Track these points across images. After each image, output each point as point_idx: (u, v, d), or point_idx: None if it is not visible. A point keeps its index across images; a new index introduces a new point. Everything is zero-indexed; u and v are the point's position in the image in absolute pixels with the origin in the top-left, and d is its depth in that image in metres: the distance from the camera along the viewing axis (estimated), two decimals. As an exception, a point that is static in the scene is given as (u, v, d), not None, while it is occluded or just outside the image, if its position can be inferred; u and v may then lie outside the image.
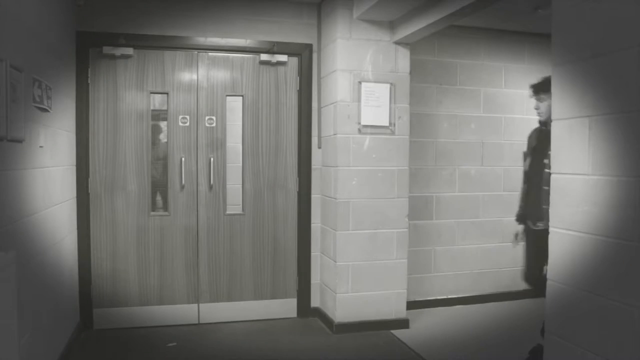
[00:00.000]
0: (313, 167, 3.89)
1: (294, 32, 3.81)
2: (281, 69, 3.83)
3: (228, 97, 3.76)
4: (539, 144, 2.98)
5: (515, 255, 4.42)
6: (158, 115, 3.70)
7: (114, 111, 3.56)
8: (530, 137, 3.17)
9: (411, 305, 3.91)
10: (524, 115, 4.39)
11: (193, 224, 3.70)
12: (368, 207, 3.59)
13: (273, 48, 3.76)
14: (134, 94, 3.59)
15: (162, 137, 3.70)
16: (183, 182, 3.66)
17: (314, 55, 3.86)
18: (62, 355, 2.92)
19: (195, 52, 3.68)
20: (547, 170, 2.56)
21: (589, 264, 1.73)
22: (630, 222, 1.57)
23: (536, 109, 3.01)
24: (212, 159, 3.70)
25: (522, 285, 4.42)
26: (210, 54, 3.70)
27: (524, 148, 3.23)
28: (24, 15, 2.29)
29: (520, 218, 3.17)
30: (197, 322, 3.72)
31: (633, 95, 1.56)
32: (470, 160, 4.26)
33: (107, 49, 3.48)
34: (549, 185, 1.91)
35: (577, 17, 1.78)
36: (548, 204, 1.92)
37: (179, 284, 3.70)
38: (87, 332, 3.48)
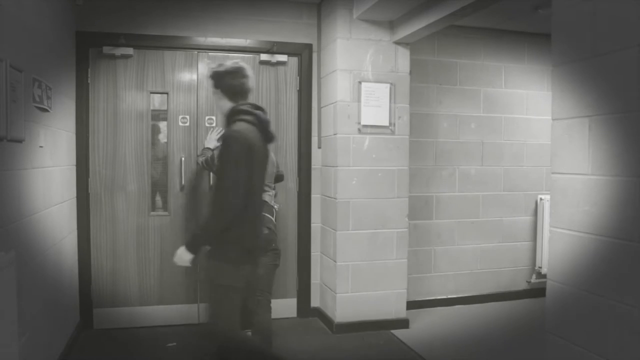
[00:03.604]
0: (313, 167, 3.89)
1: (294, 32, 3.81)
2: (281, 69, 3.83)
3: (228, 97, 3.75)
4: None
5: (515, 255, 4.43)
6: (158, 115, 3.69)
7: (114, 111, 3.56)
8: None
9: (411, 305, 3.91)
10: (524, 115, 4.40)
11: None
12: (368, 207, 3.59)
13: (273, 48, 3.76)
14: (134, 94, 3.59)
15: (162, 137, 3.70)
16: (183, 182, 3.66)
17: (314, 55, 3.86)
18: (62, 355, 2.92)
19: (195, 52, 3.68)
20: None
21: (589, 264, 1.73)
22: (630, 222, 1.57)
23: None
24: (212, 159, 3.70)
25: (522, 285, 4.45)
26: (210, 53, 3.70)
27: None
28: (24, 15, 2.29)
29: None
30: (197, 322, 3.72)
31: (633, 95, 1.56)
32: (470, 160, 4.27)
33: (107, 49, 3.48)
34: None
35: (577, 17, 1.78)
36: None
37: (179, 284, 3.70)
38: (87, 332, 3.47)
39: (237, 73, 2.34)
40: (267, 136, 2.36)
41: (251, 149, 2.20)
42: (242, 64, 2.38)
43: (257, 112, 2.32)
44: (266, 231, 2.82)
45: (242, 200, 2.17)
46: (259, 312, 2.81)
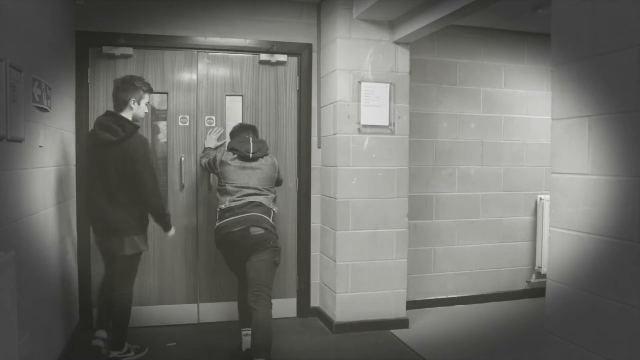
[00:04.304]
0: (313, 167, 3.89)
1: (294, 32, 3.81)
2: (281, 68, 3.83)
3: (228, 97, 3.76)
4: None
5: (515, 255, 4.43)
6: (158, 115, 3.70)
7: (114, 111, 3.56)
8: None
9: (411, 305, 3.91)
10: (524, 115, 4.40)
11: (193, 224, 3.70)
12: (368, 207, 3.59)
13: (273, 48, 3.76)
14: (134, 94, 3.58)
15: (162, 137, 3.70)
16: (183, 182, 3.66)
17: (314, 55, 3.86)
18: (62, 355, 2.92)
19: (195, 52, 3.68)
20: None
21: (589, 264, 1.73)
22: (630, 222, 1.57)
23: None
24: (212, 159, 3.69)
25: (522, 285, 4.45)
26: (210, 53, 3.70)
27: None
28: (24, 15, 2.29)
29: None
30: (197, 322, 3.72)
31: (633, 95, 1.56)
32: (470, 160, 4.27)
33: (107, 49, 3.48)
34: None
35: (577, 17, 1.78)
36: None
37: (179, 284, 3.70)
38: (87, 332, 3.47)
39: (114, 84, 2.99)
40: (99, 139, 2.83)
41: (89, 150, 3.00)
42: (125, 76, 2.98)
43: (100, 118, 2.90)
44: (262, 231, 2.86)
45: (88, 190, 3.06)
46: (258, 308, 2.80)
